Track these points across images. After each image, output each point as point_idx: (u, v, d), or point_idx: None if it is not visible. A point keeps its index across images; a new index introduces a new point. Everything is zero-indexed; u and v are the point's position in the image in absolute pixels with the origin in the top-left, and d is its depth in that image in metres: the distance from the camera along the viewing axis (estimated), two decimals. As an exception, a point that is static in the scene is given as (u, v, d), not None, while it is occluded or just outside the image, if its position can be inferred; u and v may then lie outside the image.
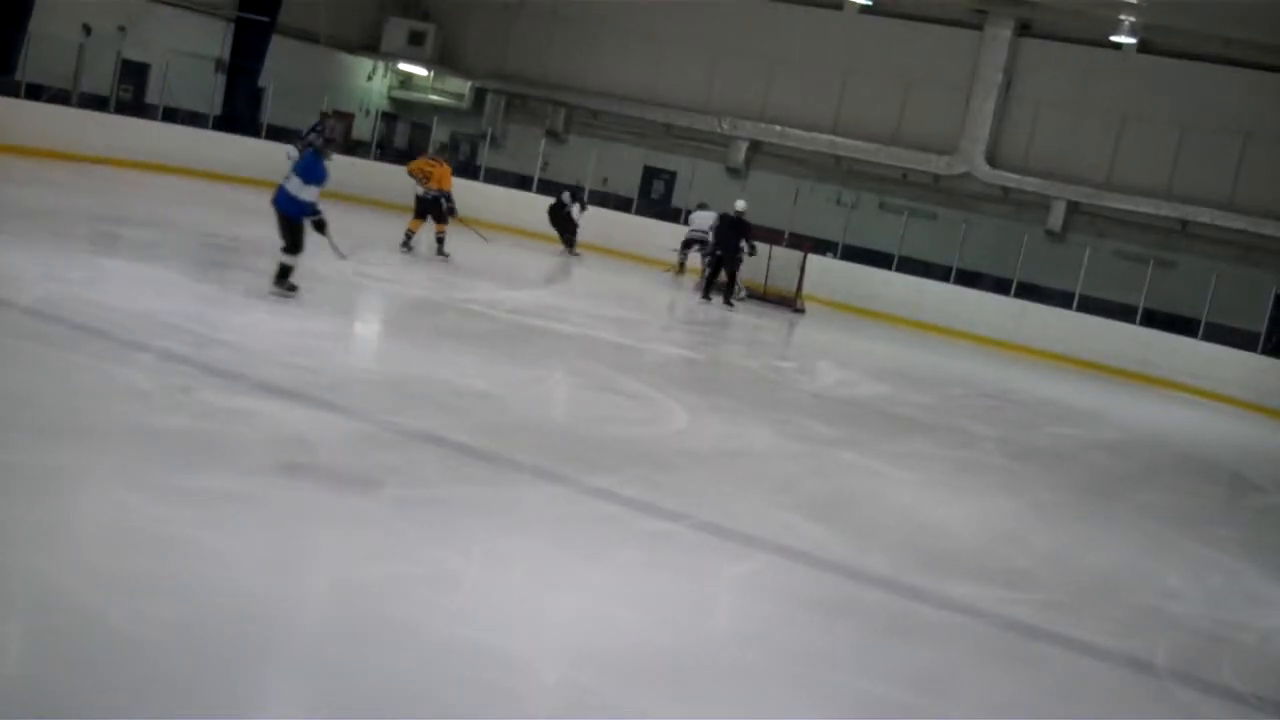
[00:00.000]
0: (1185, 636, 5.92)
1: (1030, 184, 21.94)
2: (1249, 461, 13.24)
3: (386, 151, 25.02)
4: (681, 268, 20.33)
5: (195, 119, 20.72)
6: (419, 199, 15.92)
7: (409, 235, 15.92)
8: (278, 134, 21.75)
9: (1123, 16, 19.14)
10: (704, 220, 19.09)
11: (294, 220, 9.91)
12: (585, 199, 21.21)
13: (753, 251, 17.74)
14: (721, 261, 17.47)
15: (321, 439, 6.20)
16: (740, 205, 17.95)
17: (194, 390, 6.69)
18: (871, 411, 10.78)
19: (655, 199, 24.71)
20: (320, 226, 10.03)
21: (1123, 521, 8.42)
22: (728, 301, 17.38)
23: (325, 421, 6.63)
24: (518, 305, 13.28)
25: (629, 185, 23.69)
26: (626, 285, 18.32)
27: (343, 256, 10.40)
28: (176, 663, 3.56)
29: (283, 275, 9.96)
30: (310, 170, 9.94)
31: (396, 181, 22.22)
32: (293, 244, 9.93)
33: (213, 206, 17.01)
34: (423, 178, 15.94)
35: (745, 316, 16.82)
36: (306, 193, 9.85)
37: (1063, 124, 21.87)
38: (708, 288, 17.66)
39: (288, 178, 10.07)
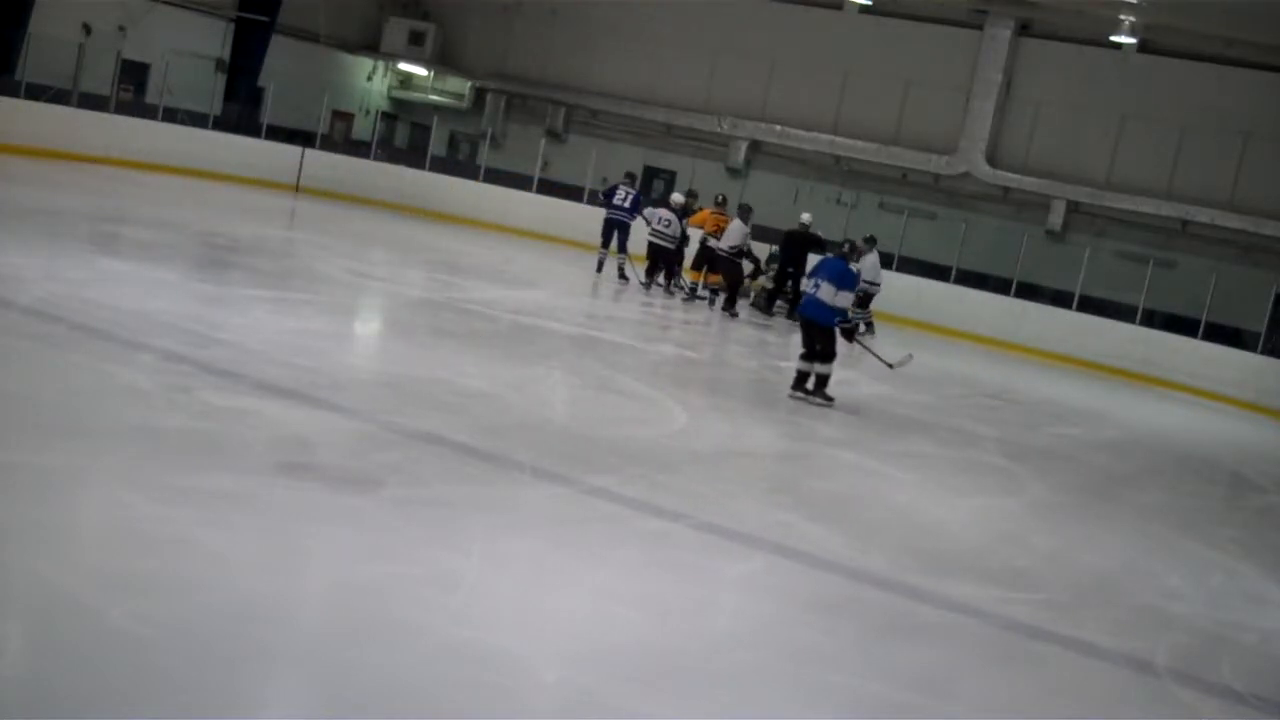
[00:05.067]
0: (1185, 636, 5.92)
1: (1030, 184, 21.92)
2: (1249, 461, 13.23)
3: (386, 151, 25.00)
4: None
5: (195, 119, 20.72)
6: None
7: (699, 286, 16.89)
8: (278, 134, 21.81)
9: (1123, 16, 19.13)
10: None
11: (825, 327, 9.91)
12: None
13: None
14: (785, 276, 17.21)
15: (321, 439, 6.20)
16: (805, 218, 17.40)
17: (194, 390, 6.68)
18: (871, 411, 10.75)
19: (655, 199, 24.69)
20: (850, 334, 10.14)
21: (1123, 521, 8.42)
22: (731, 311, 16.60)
23: (325, 421, 6.62)
24: (518, 305, 13.27)
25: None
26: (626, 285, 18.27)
27: (889, 365, 10.37)
28: (176, 663, 3.56)
29: (821, 384, 10.02)
30: (845, 277, 9.95)
31: (395, 181, 22.39)
32: (827, 353, 9.96)
33: (213, 206, 17.02)
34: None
35: (745, 317, 16.80)
36: (841, 299, 9.86)
37: (1063, 124, 21.85)
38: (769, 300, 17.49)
39: (817, 285, 9.93)
